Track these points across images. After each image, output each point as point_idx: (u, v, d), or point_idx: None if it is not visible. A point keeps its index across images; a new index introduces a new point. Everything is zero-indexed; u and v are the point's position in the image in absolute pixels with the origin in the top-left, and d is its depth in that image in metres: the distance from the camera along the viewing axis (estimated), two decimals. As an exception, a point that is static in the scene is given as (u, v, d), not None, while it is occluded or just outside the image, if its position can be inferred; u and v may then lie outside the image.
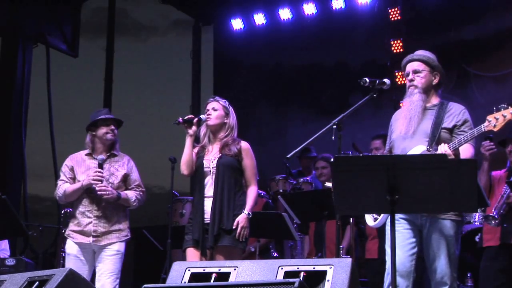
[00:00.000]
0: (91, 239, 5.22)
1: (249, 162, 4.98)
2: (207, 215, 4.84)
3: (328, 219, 5.72)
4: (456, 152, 4.10)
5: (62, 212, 6.86)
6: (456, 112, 4.31)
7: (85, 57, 11.34)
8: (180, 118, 5.02)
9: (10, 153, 9.34)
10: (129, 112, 13.93)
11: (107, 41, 11.60)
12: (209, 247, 4.77)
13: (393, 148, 4.44)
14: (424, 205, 3.69)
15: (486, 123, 4.05)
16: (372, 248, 6.26)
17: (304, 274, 3.31)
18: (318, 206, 5.62)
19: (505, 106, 4.02)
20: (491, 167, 5.55)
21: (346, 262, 3.29)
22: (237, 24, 10.97)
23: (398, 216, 4.13)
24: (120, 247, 5.29)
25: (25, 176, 9.34)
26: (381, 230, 5.41)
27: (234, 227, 4.77)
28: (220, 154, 4.95)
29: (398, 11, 9.49)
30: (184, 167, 4.98)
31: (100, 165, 5.26)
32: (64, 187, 5.33)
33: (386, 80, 4.54)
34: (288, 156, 4.74)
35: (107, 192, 5.19)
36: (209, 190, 4.90)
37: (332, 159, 3.83)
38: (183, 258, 5.10)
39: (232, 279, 3.43)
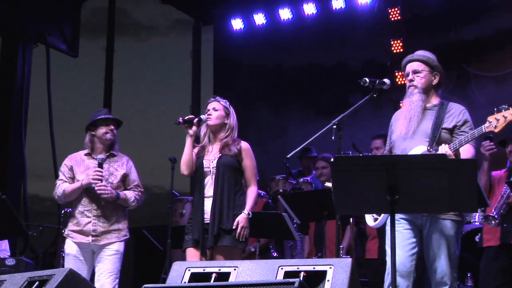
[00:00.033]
0: (90, 238, 5.22)
1: (249, 162, 4.98)
2: (207, 215, 4.84)
3: (328, 219, 5.72)
4: (456, 152, 4.10)
5: (62, 212, 6.86)
6: (457, 113, 4.31)
7: (85, 57, 11.34)
8: (180, 118, 5.02)
9: (10, 153, 9.34)
10: (129, 112, 13.94)
11: (107, 41, 11.60)
12: (209, 247, 4.77)
13: (393, 148, 4.44)
14: (424, 205, 3.69)
15: (487, 124, 4.05)
16: (372, 248, 6.26)
17: (304, 274, 3.31)
18: (318, 206, 5.62)
19: (506, 107, 4.01)
20: (491, 167, 5.55)
21: (346, 262, 3.29)
22: (237, 24, 10.97)
23: (398, 216, 4.14)
24: (119, 247, 5.29)
25: (25, 176, 9.34)
26: (381, 230, 5.41)
27: (234, 227, 4.77)
28: (220, 154, 4.95)
29: (398, 11, 9.49)
30: (184, 167, 4.98)
31: (100, 165, 5.26)
32: (63, 186, 5.34)
33: (386, 80, 4.54)
34: (288, 156, 4.74)
35: (107, 192, 5.20)
36: (209, 190, 4.90)
37: (332, 159, 3.83)
38: (183, 258, 5.10)
39: (232, 279, 3.43)
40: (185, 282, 3.51)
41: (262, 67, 10.86)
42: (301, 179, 7.33)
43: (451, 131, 4.27)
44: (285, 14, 10.48)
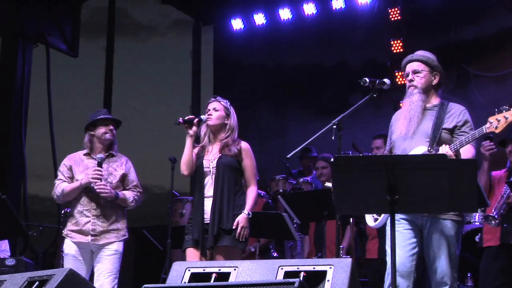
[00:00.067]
0: (89, 238, 5.23)
1: (249, 162, 4.98)
2: (207, 215, 4.84)
3: (328, 219, 5.72)
4: (457, 153, 4.10)
5: (62, 212, 6.86)
6: (457, 113, 4.31)
7: (85, 57, 11.34)
8: (181, 118, 5.02)
9: (10, 153, 9.34)
10: (129, 112, 13.95)
11: (107, 41, 11.60)
12: (209, 247, 4.77)
13: (393, 148, 4.44)
14: (424, 205, 3.69)
15: (487, 125, 4.04)
16: (372, 248, 6.26)
17: (304, 274, 3.31)
18: (318, 206, 5.62)
19: (507, 107, 4.01)
20: (491, 167, 5.55)
21: (346, 262, 3.29)
22: (237, 24, 10.97)
23: (398, 216, 4.14)
24: (118, 246, 5.30)
25: (25, 176, 9.34)
26: (381, 230, 5.41)
27: (234, 227, 4.77)
28: (220, 154, 4.95)
29: (398, 11, 9.49)
30: (184, 167, 4.98)
31: (99, 164, 5.27)
32: (62, 186, 5.34)
33: (386, 80, 4.54)
34: (288, 156, 4.74)
35: (106, 191, 5.20)
36: (209, 190, 4.90)
37: (332, 159, 3.83)
38: (183, 258, 5.10)
39: (232, 279, 3.43)
40: (185, 282, 3.51)
41: (262, 67, 10.86)
42: (301, 179, 7.33)
43: (452, 131, 4.27)
44: (285, 14, 10.49)
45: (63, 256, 5.51)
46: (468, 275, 6.10)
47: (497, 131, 4.02)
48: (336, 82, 10.03)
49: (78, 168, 5.39)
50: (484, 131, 4.06)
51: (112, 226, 5.29)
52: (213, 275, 3.50)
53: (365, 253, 6.48)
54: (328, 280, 3.23)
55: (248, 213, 4.84)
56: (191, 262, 4.02)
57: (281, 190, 7.32)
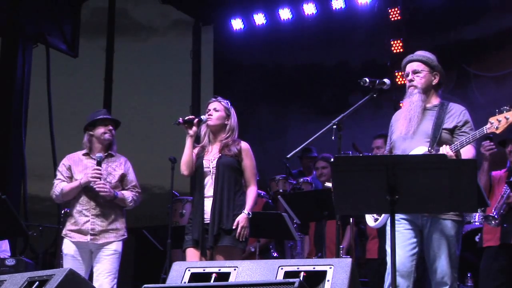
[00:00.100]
0: (88, 237, 5.23)
1: (248, 162, 4.98)
2: (207, 215, 4.84)
3: (328, 219, 5.72)
4: (457, 153, 4.10)
5: (62, 212, 6.86)
6: (457, 113, 4.31)
7: (85, 57, 11.34)
8: (181, 118, 5.02)
9: (10, 153, 9.34)
10: (129, 112, 13.94)
11: (107, 41, 11.60)
12: (209, 247, 4.77)
13: (393, 148, 4.44)
14: (424, 205, 3.69)
15: (488, 125, 4.04)
16: (372, 248, 6.26)
17: (304, 274, 3.31)
18: (318, 206, 5.62)
19: (508, 108, 4.01)
20: (491, 167, 5.55)
21: (346, 262, 3.29)
22: (237, 24, 10.97)
23: (398, 216, 4.14)
24: (117, 246, 5.31)
25: (25, 176, 9.34)
26: (381, 230, 5.41)
27: (234, 227, 4.77)
28: (220, 154, 4.95)
29: (398, 11, 9.49)
30: (184, 167, 4.98)
31: (99, 163, 5.28)
32: (61, 185, 5.35)
33: (386, 80, 4.54)
34: (288, 156, 4.74)
35: (106, 189, 5.21)
36: (209, 190, 4.90)
37: (332, 159, 3.83)
38: (183, 258, 5.10)
39: (232, 279, 3.43)
40: (185, 282, 3.51)
41: (262, 67, 10.85)
42: (301, 179, 7.33)
43: (452, 131, 4.27)
44: (285, 14, 10.49)
45: (63, 256, 5.52)
46: (468, 275, 6.10)
47: (497, 131, 4.02)
48: (336, 82, 10.03)
49: (77, 168, 5.40)
50: (485, 132, 4.06)
51: (111, 226, 5.30)
52: (213, 275, 3.50)
53: (365, 253, 6.48)
54: (328, 280, 3.23)
55: (248, 213, 4.84)
56: (191, 262, 4.02)
57: (281, 190, 7.32)
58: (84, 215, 5.28)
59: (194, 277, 3.54)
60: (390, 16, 9.53)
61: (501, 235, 5.43)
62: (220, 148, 4.98)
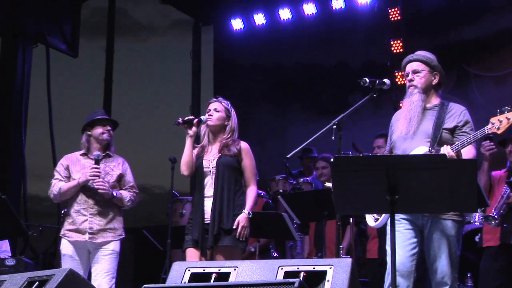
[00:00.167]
0: (87, 236, 5.24)
1: (248, 162, 4.98)
2: (207, 215, 4.84)
3: (328, 219, 5.72)
4: (458, 153, 4.10)
5: (62, 212, 6.85)
6: (457, 113, 4.31)
7: (85, 57, 11.34)
8: (180, 118, 5.02)
9: (10, 153, 9.34)
10: (129, 112, 13.94)
11: (107, 41, 11.60)
12: (209, 247, 4.77)
13: (393, 148, 4.44)
14: (424, 205, 3.69)
15: (489, 126, 4.04)
16: (373, 248, 6.26)
17: (304, 274, 3.31)
18: (318, 206, 5.62)
19: (509, 108, 4.01)
20: (491, 167, 5.55)
21: (346, 262, 3.29)
22: (237, 24, 10.97)
23: (399, 216, 4.14)
24: (115, 246, 5.32)
25: (25, 176, 9.34)
26: (381, 230, 5.41)
27: (234, 227, 4.77)
28: (220, 154, 4.95)
29: (398, 11, 9.49)
30: (184, 167, 4.98)
31: (97, 161, 5.29)
32: (59, 185, 5.36)
33: (386, 80, 4.54)
34: (288, 156, 4.74)
35: (105, 187, 5.22)
36: (209, 190, 4.90)
37: (332, 159, 3.83)
38: (183, 258, 5.10)
39: (232, 279, 3.43)
40: (185, 282, 3.51)
41: (262, 67, 10.85)
42: (301, 179, 7.33)
43: (452, 131, 4.27)
44: (285, 14, 10.48)
45: (61, 256, 5.51)
46: (468, 275, 6.10)
47: (499, 132, 4.02)
48: (336, 82, 10.03)
49: (75, 168, 5.41)
50: (486, 132, 4.06)
51: (109, 225, 5.31)
52: (213, 275, 3.50)
53: (365, 253, 6.48)
54: (328, 280, 3.23)
55: (249, 213, 4.84)
56: (191, 262, 4.02)
57: (281, 190, 7.32)
58: (82, 214, 5.29)
59: (194, 277, 3.54)
60: (390, 16, 9.53)
61: (501, 235, 5.43)
62: (220, 148, 4.98)
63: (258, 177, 5.20)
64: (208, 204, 4.86)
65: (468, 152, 4.15)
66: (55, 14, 10.01)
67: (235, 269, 3.47)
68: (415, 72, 4.39)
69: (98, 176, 5.24)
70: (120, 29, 12.98)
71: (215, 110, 5.03)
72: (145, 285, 3.36)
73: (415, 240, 4.22)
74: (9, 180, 9.21)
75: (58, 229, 7.51)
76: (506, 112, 4.01)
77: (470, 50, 9.16)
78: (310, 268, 3.33)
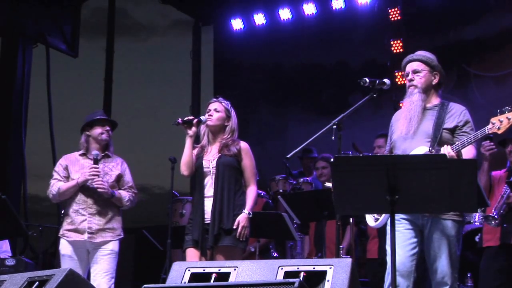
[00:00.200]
0: (86, 236, 5.24)
1: (248, 162, 4.98)
2: (207, 215, 4.84)
3: (328, 219, 5.72)
4: (459, 153, 4.10)
5: (62, 212, 6.85)
6: (457, 113, 4.31)
7: (85, 57, 11.34)
8: (180, 119, 5.01)
9: (10, 153, 9.34)
10: (129, 112, 13.94)
11: (107, 41, 11.59)
12: (209, 247, 4.77)
13: (394, 148, 4.44)
14: (424, 205, 3.69)
15: (490, 126, 4.04)
16: (373, 248, 6.26)
17: (304, 274, 3.31)
18: (318, 206, 5.62)
19: (509, 108, 4.01)
20: (491, 167, 5.55)
21: (346, 262, 3.29)
22: (237, 24, 10.96)
23: (399, 216, 4.14)
24: (114, 246, 5.32)
25: (25, 176, 9.34)
26: (381, 230, 5.41)
27: (234, 227, 4.77)
28: (220, 154, 4.94)
29: (398, 11, 9.48)
30: (184, 167, 4.98)
31: (96, 161, 5.29)
32: (58, 185, 5.36)
33: (386, 80, 4.54)
34: (288, 156, 4.74)
35: (104, 186, 5.22)
36: (209, 190, 4.90)
37: (332, 159, 3.83)
38: (183, 258, 5.10)
39: (232, 279, 3.43)
40: (185, 282, 3.51)
41: (262, 67, 10.85)
42: (301, 179, 7.33)
43: (452, 131, 4.27)
44: (285, 14, 10.48)
45: (60, 256, 5.51)
46: (468, 275, 6.10)
47: (499, 132, 4.02)
48: (336, 82, 10.02)
49: (74, 168, 5.42)
50: (487, 132, 4.06)
51: (108, 225, 5.32)
52: (213, 275, 3.50)
53: (365, 253, 6.48)
54: (328, 280, 3.23)
55: (249, 213, 4.84)
56: (191, 262, 4.02)
57: (281, 190, 7.32)
58: (80, 214, 5.29)
59: (194, 277, 3.54)
60: (390, 16, 9.53)
61: (501, 235, 5.42)
62: (220, 148, 4.98)
63: (258, 177, 5.20)
64: (208, 204, 4.86)
65: (468, 152, 4.15)
66: (55, 14, 10.01)
67: (235, 269, 3.47)
68: (415, 72, 4.39)
69: (98, 175, 5.25)
70: (120, 29, 12.98)
71: (215, 110, 5.02)
72: (145, 285, 3.36)
73: (415, 240, 4.22)
74: (9, 180, 9.21)
75: (58, 229, 7.52)
76: (506, 112, 4.01)
77: (470, 50, 9.16)
78: (310, 268, 3.33)
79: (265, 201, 7.00)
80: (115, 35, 11.68)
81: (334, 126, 4.43)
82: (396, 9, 9.49)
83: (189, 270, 3.56)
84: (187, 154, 4.96)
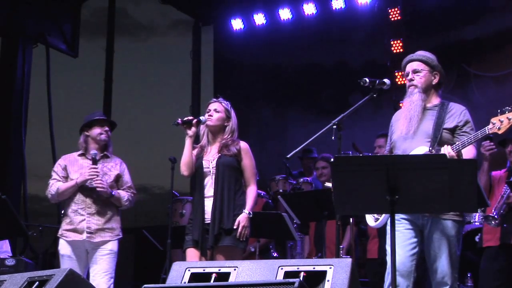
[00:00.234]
0: (84, 235, 5.24)
1: (248, 162, 4.98)
2: (208, 215, 4.84)
3: (328, 219, 5.72)
4: (459, 153, 4.10)
5: (62, 212, 6.86)
6: (457, 113, 4.31)
7: (85, 57, 11.33)
8: (179, 119, 5.01)
9: (10, 153, 9.34)
10: (129, 112, 13.94)
11: (107, 41, 11.60)
12: (209, 247, 4.77)
13: (394, 148, 4.44)
14: (424, 205, 3.69)
15: (490, 126, 4.04)
16: (373, 248, 6.26)
17: (304, 274, 3.31)
18: (318, 206, 5.62)
19: (510, 108, 4.01)
20: (491, 167, 5.55)
21: (346, 262, 3.29)
22: (237, 24, 10.96)
23: (399, 216, 4.14)
24: (113, 246, 5.33)
25: (25, 176, 9.34)
26: (381, 230, 5.41)
27: (235, 227, 4.77)
28: (219, 154, 4.94)
29: (398, 11, 9.48)
30: (184, 168, 4.98)
31: (94, 160, 5.30)
32: (57, 185, 5.37)
33: (386, 80, 4.54)
34: (288, 156, 4.74)
35: (103, 186, 5.23)
36: (209, 190, 4.90)
37: (332, 159, 3.83)
38: (183, 258, 5.10)
39: (232, 279, 3.43)
40: (185, 282, 3.51)
41: (262, 67, 10.85)
42: (301, 179, 7.33)
43: (452, 131, 4.27)
44: (285, 14, 10.48)
45: (59, 256, 5.51)
46: (468, 275, 6.10)
47: (500, 132, 4.02)
48: (336, 82, 10.02)
49: (72, 168, 5.42)
50: (487, 132, 4.06)
51: (107, 225, 5.32)
52: (213, 275, 3.50)
53: (365, 253, 6.48)
54: (328, 280, 3.23)
55: (249, 213, 4.84)
56: (191, 262, 4.02)
57: (281, 190, 7.32)
58: (79, 214, 5.30)
59: (194, 277, 3.54)
60: (390, 16, 9.53)
61: (501, 235, 5.43)
62: (219, 148, 4.98)
63: (258, 177, 5.20)
64: (208, 204, 4.86)
65: (468, 152, 4.15)
66: (55, 14, 10.01)
67: (235, 269, 3.47)
68: (415, 71, 4.39)
69: (97, 175, 5.25)
70: (120, 29, 12.97)
71: (215, 110, 5.02)
72: (145, 285, 3.36)
73: (415, 240, 4.22)
74: (9, 180, 9.22)
75: (58, 229, 7.53)
76: (507, 112, 4.01)
77: (470, 50, 9.16)
78: (310, 268, 3.33)
79: (265, 201, 7.00)
80: (115, 35, 11.69)
81: (334, 126, 4.43)
82: (396, 9, 9.49)
83: (189, 270, 3.56)
84: (187, 154, 4.96)
